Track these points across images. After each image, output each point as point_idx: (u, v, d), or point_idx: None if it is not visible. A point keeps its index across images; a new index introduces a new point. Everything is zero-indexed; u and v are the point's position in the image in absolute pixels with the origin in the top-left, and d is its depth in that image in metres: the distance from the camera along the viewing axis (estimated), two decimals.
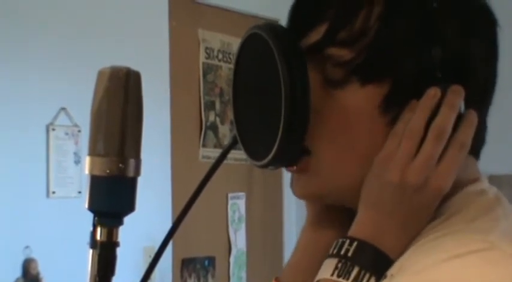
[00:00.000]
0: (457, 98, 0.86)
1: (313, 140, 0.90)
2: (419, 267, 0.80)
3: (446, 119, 0.85)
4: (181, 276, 3.44)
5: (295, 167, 0.92)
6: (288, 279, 1.00)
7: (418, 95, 0.86)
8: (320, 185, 0.92)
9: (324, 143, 0.90)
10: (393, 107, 0.87)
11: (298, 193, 0.94)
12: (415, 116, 0.86)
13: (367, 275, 0.84)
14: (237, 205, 3.74)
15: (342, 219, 0.96)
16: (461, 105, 0.87)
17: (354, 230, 0.88)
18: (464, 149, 0.86)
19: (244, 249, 3.76)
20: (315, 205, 1.00)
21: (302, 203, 1.00)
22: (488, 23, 0.93)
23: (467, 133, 0.86)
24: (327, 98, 0.89)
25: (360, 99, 0.88)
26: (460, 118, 0.86)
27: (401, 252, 0.85)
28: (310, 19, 0.91)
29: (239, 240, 3.74)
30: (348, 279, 0.84)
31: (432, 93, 0.86)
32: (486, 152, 0.97)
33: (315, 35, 0.90)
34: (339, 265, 0.85)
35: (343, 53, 0.88)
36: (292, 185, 0.95)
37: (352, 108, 0.88)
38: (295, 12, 0.94)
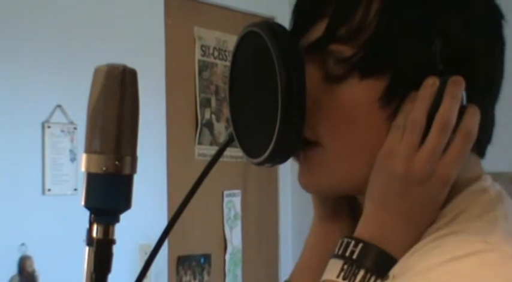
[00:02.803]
0: (458, 88, 0.84)
1: (318, 133, 0.89)
2: (419, 269, 0.79)
3: (450, 108, 0.84)
4: (177, 273, 3.45)
5: (301, 157, 0.91)
6: (298, 280, 0.99)
7: (418, 87, 0.85)
8: (328, 177, 0.91)
9: (329, 136, 0.89)
10: (393, 100, 0.86)
11: (306, 185, 0.93)
12: (415, 106, 0.84)
13: (373, 278, 0.83)
14: (233, 202, 3.74)
15: (351, 218, 0.95)
16: (464, 98, 0.85)
17: (360, 230, 0.87)
18: (470, 139, 0.84)
19: (240, 246, 3.76)
20: (322, 203, 0.99)
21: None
22: (493, 16, 0.92)
23: (472, 122, 0.84)
24: (328, 92, 0.89)
25: (359, 93, 0.87)
26: (462, 111, 0.85)
27: (406, 251, 0.84)
28: (310, 16, 0.90)
29: (235, 237, 3.74)
30: None
31: (430, 83, 0.85)
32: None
33: (315, 32, 0.89)
34: (345, 267, 0.84)
35: (343, 49, 0.87)
36: (299, 178, 0.94)
37: (351, 102, 0.87)
38: (296, 10, 0.93)
